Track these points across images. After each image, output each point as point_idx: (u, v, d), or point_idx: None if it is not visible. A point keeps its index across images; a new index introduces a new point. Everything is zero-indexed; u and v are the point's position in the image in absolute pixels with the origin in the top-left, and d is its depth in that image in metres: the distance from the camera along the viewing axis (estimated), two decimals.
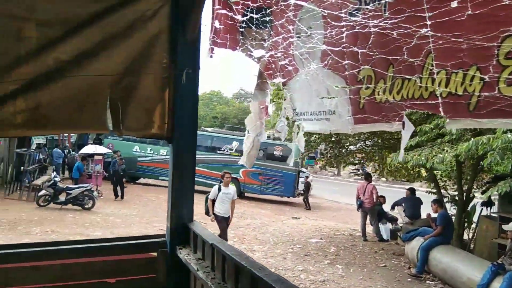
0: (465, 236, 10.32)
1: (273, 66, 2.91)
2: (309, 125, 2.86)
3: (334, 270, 8.63)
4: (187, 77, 2.42)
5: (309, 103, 2.77)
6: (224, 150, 19.90)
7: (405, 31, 1.98)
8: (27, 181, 14.73)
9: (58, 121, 2.26)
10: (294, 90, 2.91)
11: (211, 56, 2.96)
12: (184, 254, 2.34)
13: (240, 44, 2.97)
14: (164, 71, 2.41)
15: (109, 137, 20.40)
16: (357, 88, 2.35)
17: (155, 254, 2.54)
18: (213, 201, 8.70)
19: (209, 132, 22.19)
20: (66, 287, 2.38)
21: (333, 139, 12.23)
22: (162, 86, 2.44)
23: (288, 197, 20.12)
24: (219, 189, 8.72)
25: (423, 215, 11.32)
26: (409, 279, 8.22)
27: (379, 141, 12.59)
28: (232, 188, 9.01)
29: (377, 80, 2.23)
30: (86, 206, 12.87)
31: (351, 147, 13.59)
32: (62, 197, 12.78)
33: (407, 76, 2.06)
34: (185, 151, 2.52)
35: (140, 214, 13.42)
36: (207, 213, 8.91)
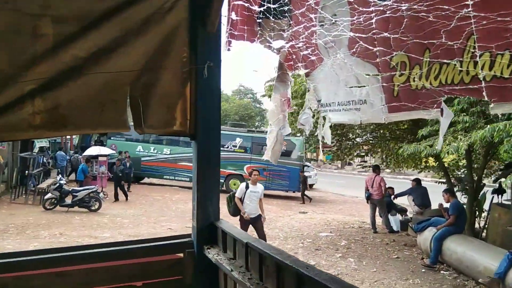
0: (476, 225, 10.25)
1: (294, 56, 2.82)
2: (337, 116, 2.77)
3: (347, 263, 8.56)
4: (209, 70, 2.33)
5: (335, 93, 2.68)
6: (227, 147, 19.84)
7: (443, 13, 1.88)
8: (32, 185, 14.67)
9: (78, 121, 2.17)
10: (319, 81, 2.82)
11: (228, 49, 2.86)
12: (213, 254, 2.25)
13: (258, 36, 2.87)
14: (185, 66, 2.32)
15: (111, 138, 20.34)
16: (390, 75, 2.26)
17: (181, 255, 2.46)
18: (240, 200, 8.18)
19: None
20: None
21: (338, 131, 12.12)
22: (183, 81, 2.34)
23: (294, 192, 20.09)
24: (247, 187, 8.23)
25: (433, 205, 11.30)
26: (423, 270, 8.15)
27: (386, 132, 12.49)
28: (260, 187, 8.49)
29: (412, 66, 2.13)
30: (93, 208, 12.81)
31: (358, 139, 13.49)
32: (68, 200, 12.71)
33: (445, 61, 1.98)
34: (210, 148, 2.43)
35: (147, 214, 13.36)
36: (233, 214, 8.36)
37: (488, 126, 5.84)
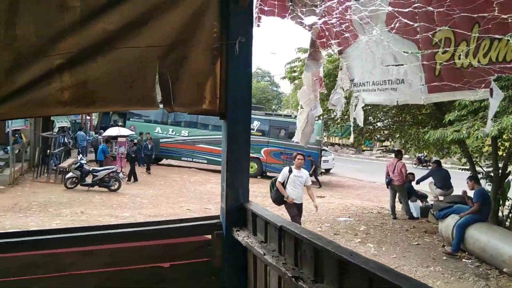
0: (500, 214, 10.00)
1: (327, 33, 2.68)
2: (371, 97, 2.64)
3: (366, 249, 8.48)
4: (240, 47, 2.23)
5: (370, 72, 2.55)
6: None
7: None
8: (53, 164, 14.93)
9: (106, 97, 2.11)
10: (352, 59, 2.68)
11: (258, 25, 2.74)
12: (243, 237, 2.19)
13: (289, 11, 2.73)
14: (215, 41, 2.22)
15: (130, 119, 20.48)
16: (431, 53, 2.12)
17: (209, 236, 2.41)
18: (283, 184, 7.60)
19: None
20: (118, 272, 2.27)
21: None
22: (213, 57, 2.26)
23: (311, 176, 19.97)
24: (290, 171, 7.62)
25: (455, 190, 11.08)
26: (444, 257, 8.01)
27: (407, 117, 12.21)
28: (304, 172, 7.99)
29: (457, 42, 1.99)
30: (112, 188, 12.99)
31: (379, 123, 13.23)
32: (88, 179, 12.91)
33: (497, 36, 1.82)
34: (240, 127, 2.35)
35: (166, 194, 13.48)
36: (276, 201, 7.87)
37: None
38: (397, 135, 13.95)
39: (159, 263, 2.34)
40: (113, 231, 2.37)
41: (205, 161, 19.88)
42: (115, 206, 11.16)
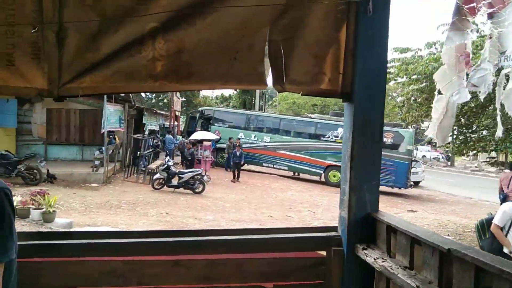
0: None
1: None
2: None
3: None
4: (375, 7, 1.69)
5: None
6: (328, 137, 19.02)
7: None
8: (143, 165, 15.53)
9: (204, 71, 1.70)
10: (508, 25, 1.98)
11: None
12: (374, 258, 1.63)
13: None
14: (341, 0, 1.71)
15: (214, 124, 20.82)
16: None
17: (323, 253, 1.88)
18: (502, 229, 4.84)
19: (313, 118, 21.44)
20: None
21: (462, 121, 10.57)
22: (338, 22, 1.74)
23: (400, 188, 18.56)
24: None
25: None
26: None
27: None
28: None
29: None
30: (197, 190, 13.07)
31: (484, 132, 11.67)
32: (174, 181, 13.13)
33: None
34: (371, 114, 1.80)
35: (248, 200, 13.25)
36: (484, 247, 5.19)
37: None
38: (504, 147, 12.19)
39: (260, 282, 1.87)
40: (205, 238, 1.94)
41: (286, 168, 19.49)
42: (198, 209, 11.13)
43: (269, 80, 1.79)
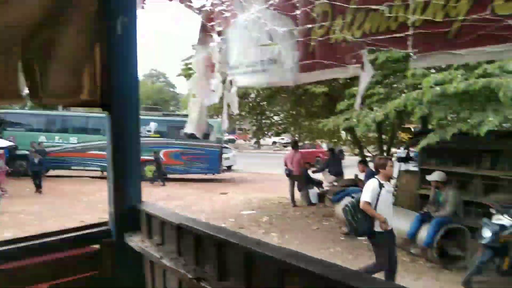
0: None
1: (215, 15, 2.53)
2: (243, 79, 2.48)
3: (270, 238, 8.63)
4: (124, 28, 1.96)
5: (244, 53, 2.40)
6: (141, 133, 18.86)
7: None
8: None
9: None
10: (230, 40, 2.53)
11: (142, 7, 2.47)
12: (136, 242, 1.94)
13: None
14: (93, 21, 1.92)
15: (7, 129, 18.15)
16: (307, 29, 2.05)
17: (97, 246, 2.09)
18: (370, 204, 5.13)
19: None
20: None
21: (257, 110, 12.09)
22: (91, 40, 1.95)
23: (213, 174, 19.91)
24: (381, 186, 5.18)
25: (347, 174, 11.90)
26: (342, 238, 8.54)
27: (302, 110, 12.76)
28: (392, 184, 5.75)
29: (334, 16, 1.94)
30: None
31: (275, 117, 13.62)
32: None
33: (373, 7, 1.80)
34: (127, 120, 2.07)
35: (55, 208, 12.19)
36: (363, 232, 5.40)
37: (403, 95, 6.11)
38: (292, 128, 14.50)
39: (37, 283, 1.96)
40: None
41: (99, 168, 18.48)
42: None
43: None
